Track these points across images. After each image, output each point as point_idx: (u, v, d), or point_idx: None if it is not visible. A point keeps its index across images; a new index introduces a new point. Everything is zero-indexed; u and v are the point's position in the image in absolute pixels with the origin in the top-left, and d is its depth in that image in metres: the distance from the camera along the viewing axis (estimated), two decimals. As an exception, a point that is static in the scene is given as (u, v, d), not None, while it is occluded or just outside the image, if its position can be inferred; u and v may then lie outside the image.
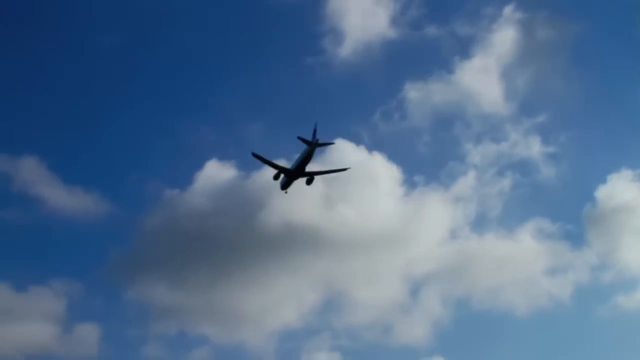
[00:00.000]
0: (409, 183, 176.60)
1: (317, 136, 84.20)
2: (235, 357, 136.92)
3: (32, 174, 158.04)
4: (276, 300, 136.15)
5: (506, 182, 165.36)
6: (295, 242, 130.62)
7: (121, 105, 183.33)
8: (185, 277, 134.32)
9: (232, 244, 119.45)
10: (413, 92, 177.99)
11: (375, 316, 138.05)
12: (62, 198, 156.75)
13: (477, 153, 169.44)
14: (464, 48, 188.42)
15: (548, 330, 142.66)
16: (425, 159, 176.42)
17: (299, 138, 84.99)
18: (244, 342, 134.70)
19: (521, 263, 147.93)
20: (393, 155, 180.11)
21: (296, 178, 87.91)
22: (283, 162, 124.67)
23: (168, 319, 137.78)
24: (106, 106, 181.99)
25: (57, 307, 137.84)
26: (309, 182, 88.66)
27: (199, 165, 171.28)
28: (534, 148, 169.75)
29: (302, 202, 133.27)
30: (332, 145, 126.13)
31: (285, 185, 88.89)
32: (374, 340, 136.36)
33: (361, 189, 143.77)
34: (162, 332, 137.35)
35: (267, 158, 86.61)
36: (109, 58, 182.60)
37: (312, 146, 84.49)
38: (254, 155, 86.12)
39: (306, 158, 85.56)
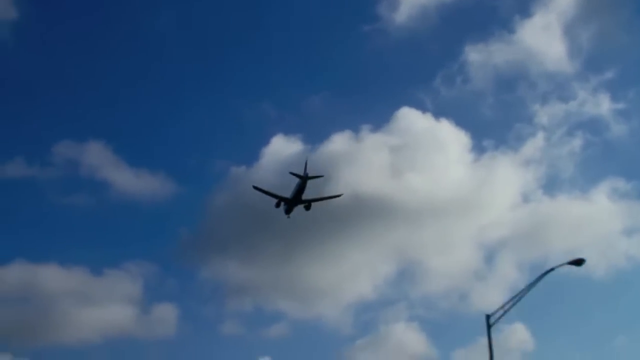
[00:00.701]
0: (478, 148, 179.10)
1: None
2: (313, 330, 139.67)
3: (99, 159, 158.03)
4: (350, 273, 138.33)
5: (576, 142, 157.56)
6: (365, 213, 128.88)
7: (181, 86, 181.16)
8: (257, 254, 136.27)
9: (302, 218, 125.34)
10: (474, 54, 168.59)
11: (450, 284, 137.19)
12: (129, 181, 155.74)
13: (545, 113, 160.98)
14: (524, 6, 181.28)
15: (628, 292, 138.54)
16: (492, 123, 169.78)
17: (291, 173, 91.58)
18: (320, 316, 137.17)
19: (597, 224, 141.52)
20: (460, 121, 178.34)
21: (295, 205, 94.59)
22: (348, 133, 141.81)
23: (243, 296, 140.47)
24: (167, 88, 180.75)
25: (134, 289, 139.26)
26: (307, 208, 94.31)
27: (265, 141, 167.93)
28: (604, 105, 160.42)
29: (369, 172, 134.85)
30: (399, 114, 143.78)
31: (288, 212, 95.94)
32: (451, 309, 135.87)
33: (429, 156, 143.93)
34: (239, 309, 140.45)
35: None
36: (165, 40, 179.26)
37: (304, 179, 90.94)
38: (255, 187, 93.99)
39: (300, 189, 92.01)
